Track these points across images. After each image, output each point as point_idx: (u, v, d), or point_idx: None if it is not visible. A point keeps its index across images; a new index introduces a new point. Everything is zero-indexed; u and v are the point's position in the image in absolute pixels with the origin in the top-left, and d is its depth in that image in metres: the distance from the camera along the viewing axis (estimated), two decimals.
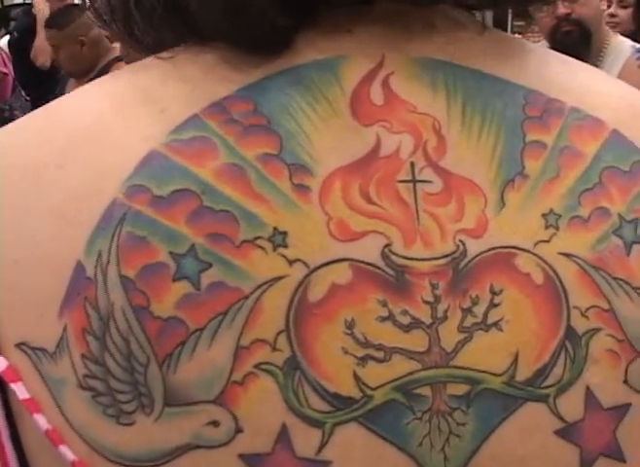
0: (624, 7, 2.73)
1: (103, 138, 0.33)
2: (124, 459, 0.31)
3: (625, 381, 0.33)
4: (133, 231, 0.31)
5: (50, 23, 3.11)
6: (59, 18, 3.04)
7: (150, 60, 0.36)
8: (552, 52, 0.41)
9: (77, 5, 3.32)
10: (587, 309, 0.33)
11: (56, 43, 3.03)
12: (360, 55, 0.35)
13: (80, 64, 2.97)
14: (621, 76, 1.92)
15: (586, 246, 0.34)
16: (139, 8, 0.35)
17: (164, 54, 0.36)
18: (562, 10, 2.10)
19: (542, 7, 2.13)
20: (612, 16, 2.69)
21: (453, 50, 0.36)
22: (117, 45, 2.85)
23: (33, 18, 4.14)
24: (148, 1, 0.34)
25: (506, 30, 2.46)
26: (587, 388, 0.33)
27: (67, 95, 0.38)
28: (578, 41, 2.10)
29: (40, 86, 3.97)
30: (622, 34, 2.28)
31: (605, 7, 2.28)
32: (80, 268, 0.31)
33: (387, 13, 0.36)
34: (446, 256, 0.32)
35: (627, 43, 2.16)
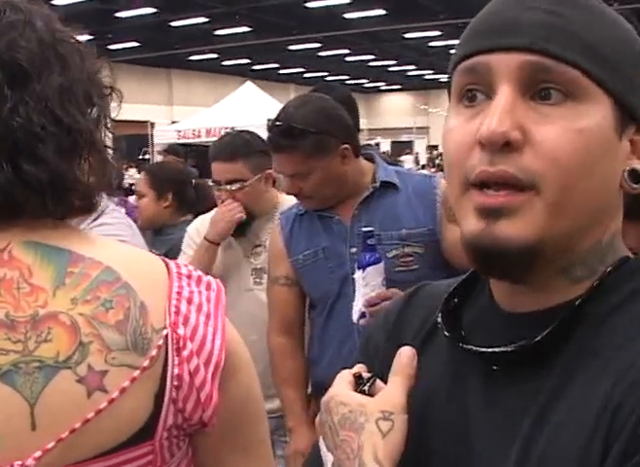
0: None
1: None
2: None
3: (106, 361, 0.89)
4: None
5: None
6: None
7: None
8: (97, 235, 0.99)
9: None
10: (87, 335, 0.88)
11: None
12: (3, 241, 0.89)
13: None
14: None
15: (89, 309, 0.89)
16: None
17: None
18: (224, 198, 2.69)
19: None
20: None
21: (42, 236, 0.90)
22: None
23: None
24: None
25: None
26: (89, 364, 0.88)
27: None
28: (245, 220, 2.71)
29: None
30: None
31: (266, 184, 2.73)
32: None
33: (28, 221, 0.90)
34: (31, 315, 0.86)
35: (291, 201, 2.55)
